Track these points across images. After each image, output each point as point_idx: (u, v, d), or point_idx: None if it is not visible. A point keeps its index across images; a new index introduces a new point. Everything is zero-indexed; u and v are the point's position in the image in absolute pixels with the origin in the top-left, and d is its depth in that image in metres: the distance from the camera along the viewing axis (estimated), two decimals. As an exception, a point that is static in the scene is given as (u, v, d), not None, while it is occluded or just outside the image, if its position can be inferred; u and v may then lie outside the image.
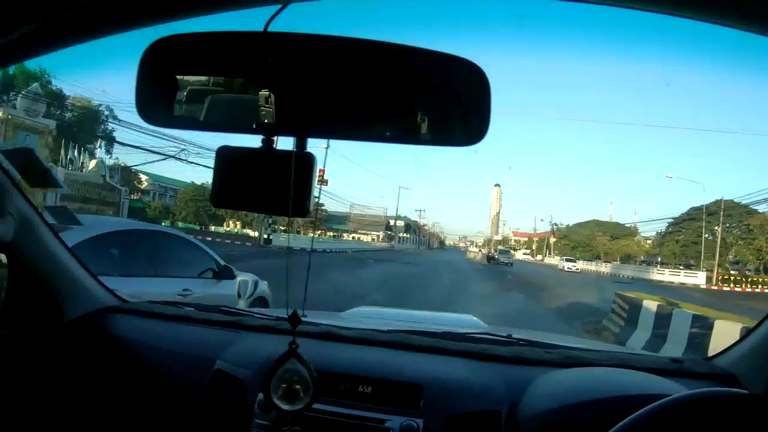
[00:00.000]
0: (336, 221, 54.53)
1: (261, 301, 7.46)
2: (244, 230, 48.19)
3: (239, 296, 3.39)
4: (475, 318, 3.16)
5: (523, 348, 1.65)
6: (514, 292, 18.43)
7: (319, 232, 48.92)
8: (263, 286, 7.74)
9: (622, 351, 1.85)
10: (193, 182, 49.86)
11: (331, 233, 52.95)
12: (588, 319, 12.83)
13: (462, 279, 22.68)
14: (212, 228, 48.33)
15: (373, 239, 57.79)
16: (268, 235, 34.25)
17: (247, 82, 0.82)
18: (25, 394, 1.54)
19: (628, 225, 68.67)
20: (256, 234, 39.40)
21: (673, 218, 54.98)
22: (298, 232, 39.66)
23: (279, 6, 0.74)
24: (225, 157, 0.83)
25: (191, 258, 6.49)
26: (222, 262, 6.90)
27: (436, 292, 15.70)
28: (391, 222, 60.94)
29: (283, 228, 36.67)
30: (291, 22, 0.76)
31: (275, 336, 1.66)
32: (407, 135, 0.82)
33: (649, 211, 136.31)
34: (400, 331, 1.71)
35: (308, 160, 0.81)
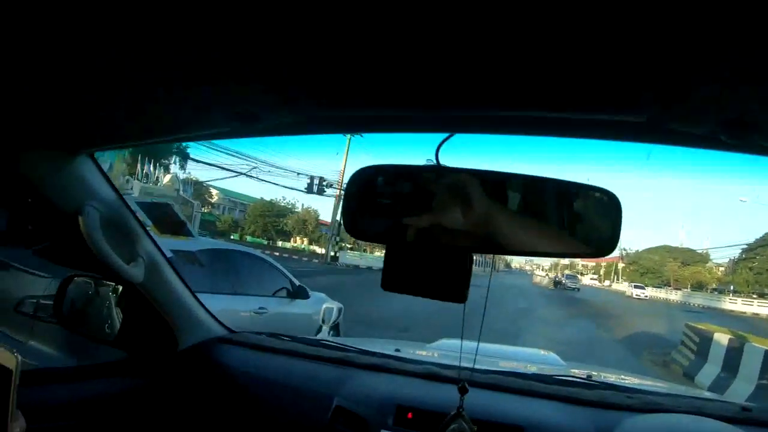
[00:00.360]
0: (402, 241, 54.66)
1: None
2: (311, 246, 49.01)
3: (323, 322, 3.51)
4: (554, 355, 3.22)
5: (606, 392, 1.67)
6: (582, 320, 17.96)
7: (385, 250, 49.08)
8: (334, 307, 7.90)
9: (695, 396, 1.85)
10: (262, 198, 51.27)
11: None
12: (656, 351, 12.47)
13: (529, 305, 22.19)
14: (279, 243, 49.39)
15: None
16: (335, 253, 34.71)
17: (426, 204, 0.95)
18: (141, 417, 1.65)
19: (699, 251, 65.49)
20: (323, 251, 39.98)
21: (747, 244, 52.17)
22: (365, 251, 40.02)
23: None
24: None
25: (268, 277, 6.71)
26: (297, 282, 7.09)
27: (504, 317, 15.47)
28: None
29: (349, 246, 37.12)
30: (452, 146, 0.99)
31: (387, 375, 1.71)
32: (548, 250, 0.95)
33: (721, 236, 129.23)
34: (496, 372, 1.74)
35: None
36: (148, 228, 1.50)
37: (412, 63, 0.72)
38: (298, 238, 51.12)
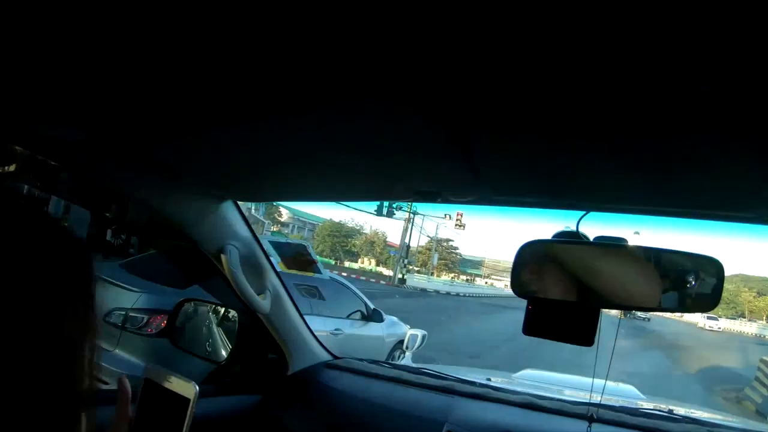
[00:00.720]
0: (470, 265, 54.19)
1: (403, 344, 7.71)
2: (378, 268, 49.34)
3: (406, 348, 3.59)
4: (633, 388, 3.19)
5: (690, 426, 1.66)
6: (652, 352, 17.22)
7: (452, 274, 48.82)
8: (405, 330, 7.99)
9: None
10: (330, 219, 52.24)
11: (464, 277, 52.64)
12: (728, 386, 11.96)
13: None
14: (347, 263, 49.98)
15: (505, 285, 56.60)
16: (403, 275, 34.77)
17: (570, 269, 1.15)
18: None
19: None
20: (390, 272, 40.14)
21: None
22: (432, 274, 39.93)
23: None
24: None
25: (345, 301, 6.91)
26: (371, 306, 7.26)
27: (571, 348, 15.02)
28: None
29: (416, 269, 37.12)
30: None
31: (490, 404, 1.76)
32: (661, 306, 1.11)
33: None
34: (590, 404, 1.75)
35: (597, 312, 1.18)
36: (275, 263, 1.65)
37: (574, 175, 0.92)
38: (365, 258, 51.61)
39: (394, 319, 7.99)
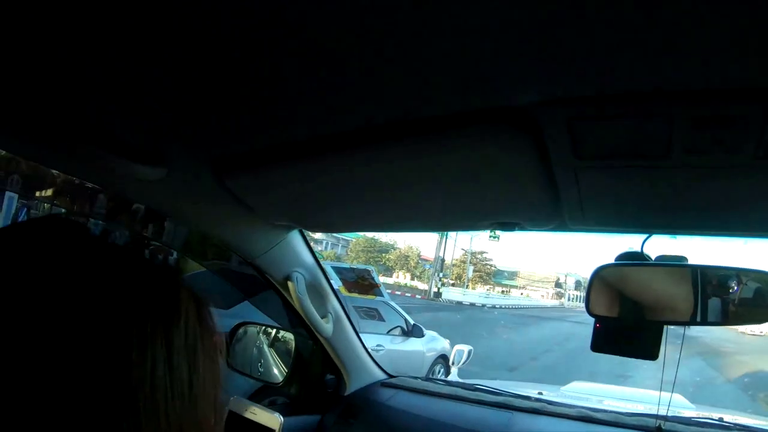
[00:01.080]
0: (504, 277, 53.60)
1: (443, 359, 7.72)
2: (412, 282, 49.08)
3: (453, 364, 3.62)
4: (681, 397, 3.13)
5: None
6: (694, 359, 16.78)
7: (488, 286, 48.35)
8: (444, 344, 7.99)
9: None
10: (364, 235, 52.21)
11: (500, 288, 52.05)
12: None
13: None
14: (381, 278, 49.65)
15: (542, 296, 55.71)
16: (438, 288, 34.57)
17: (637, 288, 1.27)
18: None
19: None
20: (424, 286, 39.92)
21: None
22: (467, 287, 39.62)
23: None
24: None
25: (387, 318, 6.97)
26: (412, 322, 7.30)
27: (610, 357, 14.71)
28: (560, 279, 58.31)
29: (451, 282, 36.89)
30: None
31: (549, 418, 1.78)
32: (721, 321, 1.22)
33: None
34: (644, 415, 1.75)
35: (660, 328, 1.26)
36: (337, 288, 1.72)
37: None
38: (400, 273, 51.44)
39: (434, 334, 8.01)
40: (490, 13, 0.53)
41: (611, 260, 1.25)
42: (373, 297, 6.28)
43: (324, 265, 1.69)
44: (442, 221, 1.48)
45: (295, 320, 1.73)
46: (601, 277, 1.26)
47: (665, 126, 0.68)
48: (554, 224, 1.11)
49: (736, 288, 1.21)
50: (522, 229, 1.15)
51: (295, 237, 1.54)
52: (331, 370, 1.94)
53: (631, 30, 0.53)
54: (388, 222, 1.46)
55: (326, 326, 1.65)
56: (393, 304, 7.33)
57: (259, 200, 1.27)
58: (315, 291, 1.63)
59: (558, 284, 58.05)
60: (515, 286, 55.21)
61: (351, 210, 1.30)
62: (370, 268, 8.48)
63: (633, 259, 1.23)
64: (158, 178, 1.08)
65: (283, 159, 1.01)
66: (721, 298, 1.20)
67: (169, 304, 0.53)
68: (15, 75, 0.78)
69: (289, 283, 1.54)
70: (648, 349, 1.24)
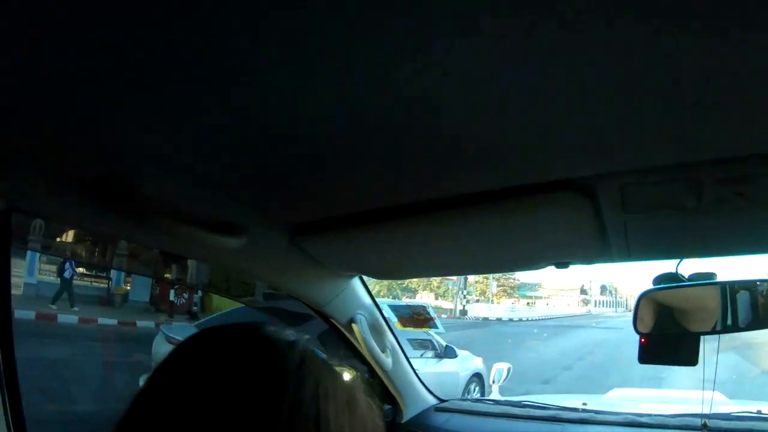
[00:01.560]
0: (528, 288, 52.98)
1: (477, 377, 7.77)
2: (436, 302, 48.70)
3: (493, 382, 3.72)
4: (720, 393, 3.16)
5: None
6: (728, 353, 16.47)
7: (512, 300, 47.83)
8: (477, 363, 8.03)
9: None
10: (385, 257, 51.80)
11: (525, 300, 51.42)
12: None
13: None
14: (405, 300, 49.32)
15: (568, 304, 54.90)
16: (464, 306, 34.32)
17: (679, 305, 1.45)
18: None
19: None
20: (448, 306, 39.60)
21: None
22: (492, 302, 39.28)
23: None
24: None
25: (420, 341, 7.07)
26: (444, 343, 7.39)
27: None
28: (585, 285, 57.45)
29: (476, 298, 36.58)
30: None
31: (597, 427, 1.87)
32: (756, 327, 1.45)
33: None
34: (688, 415, 1.82)
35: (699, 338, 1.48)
36: (392, 323, 1.88)
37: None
38: (423, 294, 51.05)
39: (467, 353, 8.07)
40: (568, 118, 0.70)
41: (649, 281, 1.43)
42: (428, 329, 6.40)
43: (381, 304, 1.85)
44: (501, 265, 1.68)
45: (351, 356, 1.86)
46: (644, 300, 1.44)
47: (697, 186, 0.85)
48: (602, 259, 1.25)
49: (759, 296, 1.38)
50: (573, 264, 1.29)
51: (356, 282, 1.70)
52: (388, 400, 2.04)
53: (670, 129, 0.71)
54: (451, 268, 1.63)
55: (386, 360, 1.81)
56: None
57: (330, 257, 1.41)
58: (374, 329, 1.78)
59: (583, 291, 56.89)
60: (540, 297, 54.41)
61: (417, 261, 1.45)
62: (425, 304, 8.59)
63: (669, 281, 1.38)
64: (238, 247, 1.13)
65: (354, 224, 1.14)
66: (748, 306, 1.38)
67: None
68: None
69: (354, 325, 1.70)
70: (688, 357, 1.41)
